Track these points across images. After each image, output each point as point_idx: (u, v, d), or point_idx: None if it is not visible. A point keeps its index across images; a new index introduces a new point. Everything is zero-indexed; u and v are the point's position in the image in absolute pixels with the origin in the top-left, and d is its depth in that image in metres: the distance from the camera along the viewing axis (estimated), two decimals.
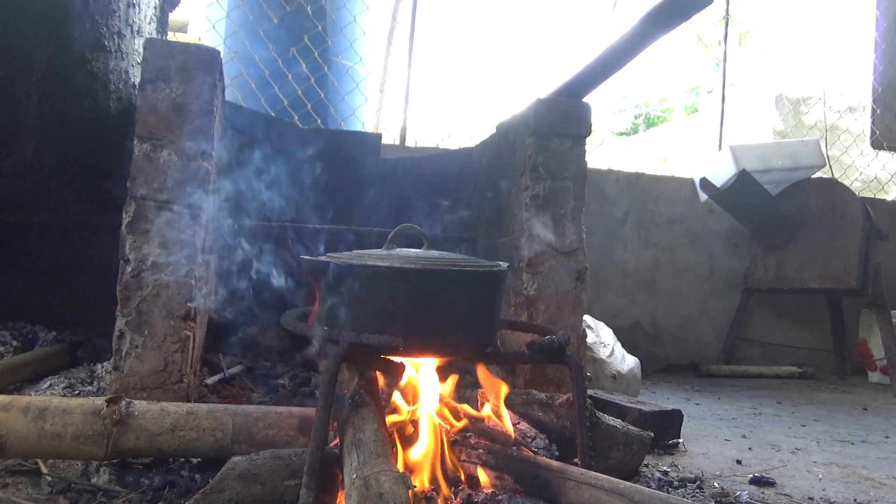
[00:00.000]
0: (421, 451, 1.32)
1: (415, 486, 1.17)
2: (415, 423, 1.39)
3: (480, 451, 1.38)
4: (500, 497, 1.27)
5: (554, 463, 1.31)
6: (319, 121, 3.56)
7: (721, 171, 3.86)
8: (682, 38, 10.50)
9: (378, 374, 1.40)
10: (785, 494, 1.66)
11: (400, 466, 1.24)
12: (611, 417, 1.67)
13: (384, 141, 2.87)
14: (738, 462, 1.94)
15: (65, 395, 1.76)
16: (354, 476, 1.03)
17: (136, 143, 1.56)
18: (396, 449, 1.30)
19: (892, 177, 5.22)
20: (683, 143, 7.49)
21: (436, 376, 1.47)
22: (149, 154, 1.57)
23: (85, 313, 2.29)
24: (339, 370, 1.19)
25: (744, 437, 2.32)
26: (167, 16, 3.11)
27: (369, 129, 4.26)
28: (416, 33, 3.94)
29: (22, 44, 2.23)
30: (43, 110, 2.27)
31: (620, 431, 1.60)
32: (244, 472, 1.18)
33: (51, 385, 1.82)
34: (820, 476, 1.86)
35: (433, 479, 1.28)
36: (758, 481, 1.75)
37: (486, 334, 1.44)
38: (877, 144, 5.19)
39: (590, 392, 2.03)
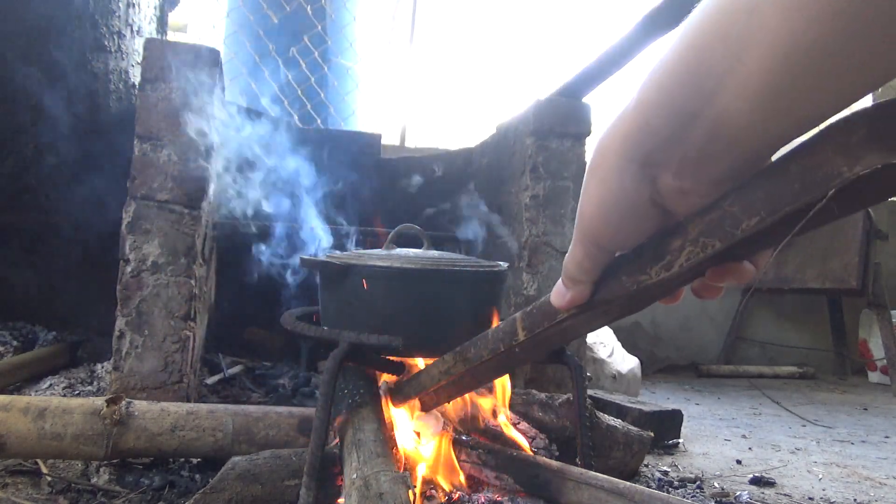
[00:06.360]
0: (424, 452, 1.32)
1: (415, 486, 1.17)
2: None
3: (480, 450, 1.38)
4: (500, 497, 1.27)
5: (554, 463, 1.31)
6: (319, 121, 3.56)
7: None
8: None
9: (378, 374, 1.40)
10: (785, 494, 1.66)
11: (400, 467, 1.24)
12: (611, 417, 1.67)
13: (384, 141, 2.87)
14: (738, 462, 1.94)
15: (65, 395, 1.76)
16: (354, 476, 1.03)
17: (136, 143, 1.56)
18: (397, 448, 1.30)
19: None
20: None
21: None
22: (149, 154, 1.57)
23: (85, 313, 2.29)
24: (339, 370, 1.19)
25: (744, 437, 2.32)
26: (167, 16, 3.11)
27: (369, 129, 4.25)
28: (415, 33, 3.94)
29: (22, 44, 2.23)
30: (43, 111, 2.27)
31: (620, 431, 1.60)
32: (244, 472, 1.18)
33: (51, 385, 1.82)
34: (820, 476, 1.86)
35: (433, 480, 1.28)
36: (758, 481, 1.75)
37: None
38: None
39: (590, 392, 2.03)
